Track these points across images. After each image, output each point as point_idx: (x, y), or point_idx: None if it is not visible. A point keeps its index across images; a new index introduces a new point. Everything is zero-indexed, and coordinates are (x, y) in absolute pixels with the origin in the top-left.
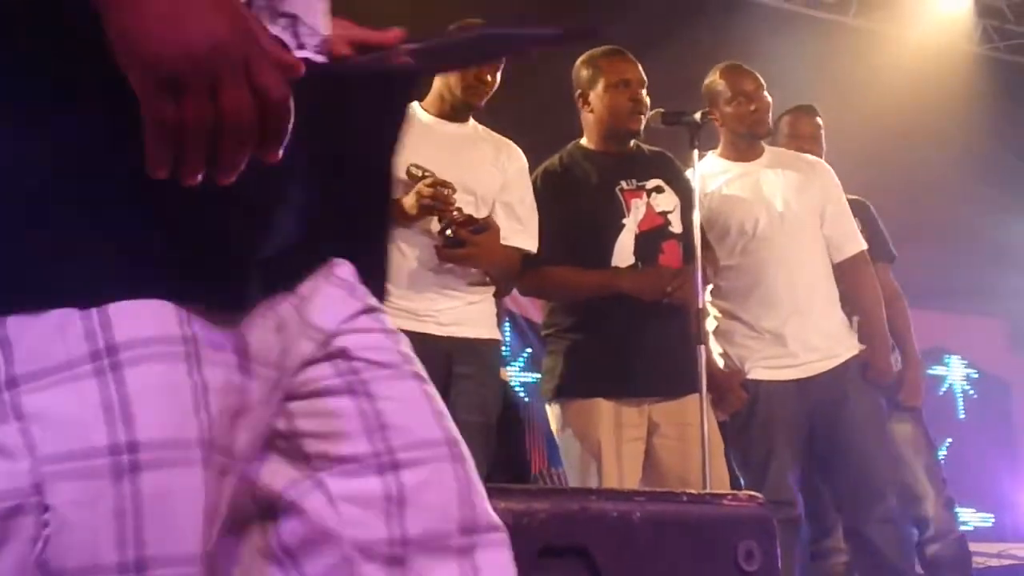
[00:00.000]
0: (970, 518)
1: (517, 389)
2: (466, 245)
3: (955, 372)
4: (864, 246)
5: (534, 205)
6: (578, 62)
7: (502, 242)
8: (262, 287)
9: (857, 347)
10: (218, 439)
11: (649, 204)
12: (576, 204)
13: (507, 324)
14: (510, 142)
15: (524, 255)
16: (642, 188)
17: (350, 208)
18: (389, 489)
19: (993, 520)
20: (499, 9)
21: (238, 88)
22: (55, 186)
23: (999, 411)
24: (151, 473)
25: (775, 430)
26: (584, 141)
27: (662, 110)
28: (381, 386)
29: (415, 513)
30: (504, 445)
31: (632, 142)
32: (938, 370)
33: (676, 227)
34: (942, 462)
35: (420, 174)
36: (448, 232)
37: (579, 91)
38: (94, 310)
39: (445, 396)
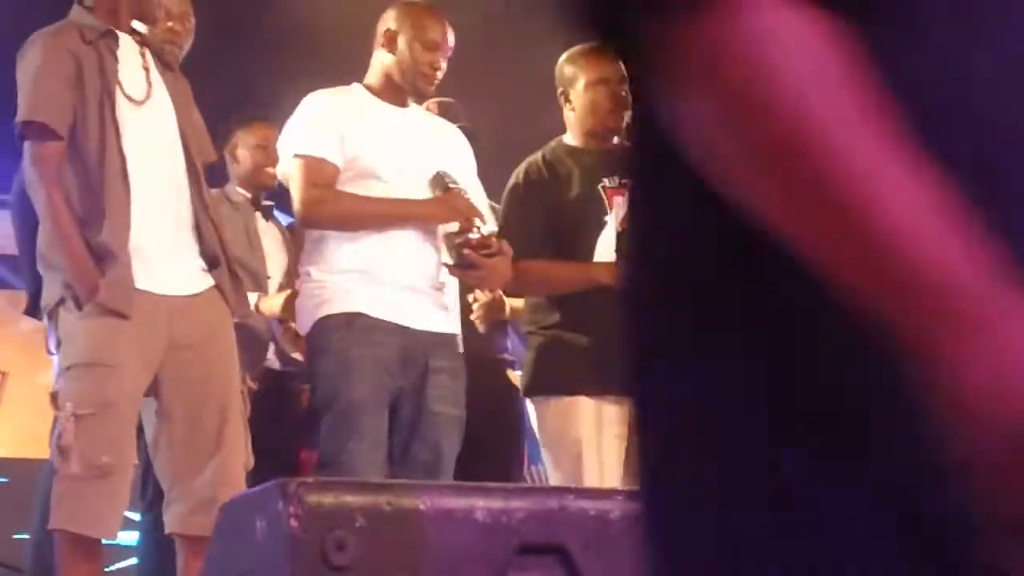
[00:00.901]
0: None
1: None
2: (477, 267)
3: None
4: None
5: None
6: (561, 59)
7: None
8: None
9: None
10: None
11: None
12: (558, 201)
13: None
14: (454, 127)
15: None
16: (625, 185)
17: None
18: None
19: None
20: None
21: None
22: None
23: None
24: None
25: None
26: (567, 138)
27: None
28: None
29: None
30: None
31: (615, 139)
32: None
33: None
34: None
35: (451, 184)
36: (463, 251)
37: (561, 88)
38: None
39: (422, 387)
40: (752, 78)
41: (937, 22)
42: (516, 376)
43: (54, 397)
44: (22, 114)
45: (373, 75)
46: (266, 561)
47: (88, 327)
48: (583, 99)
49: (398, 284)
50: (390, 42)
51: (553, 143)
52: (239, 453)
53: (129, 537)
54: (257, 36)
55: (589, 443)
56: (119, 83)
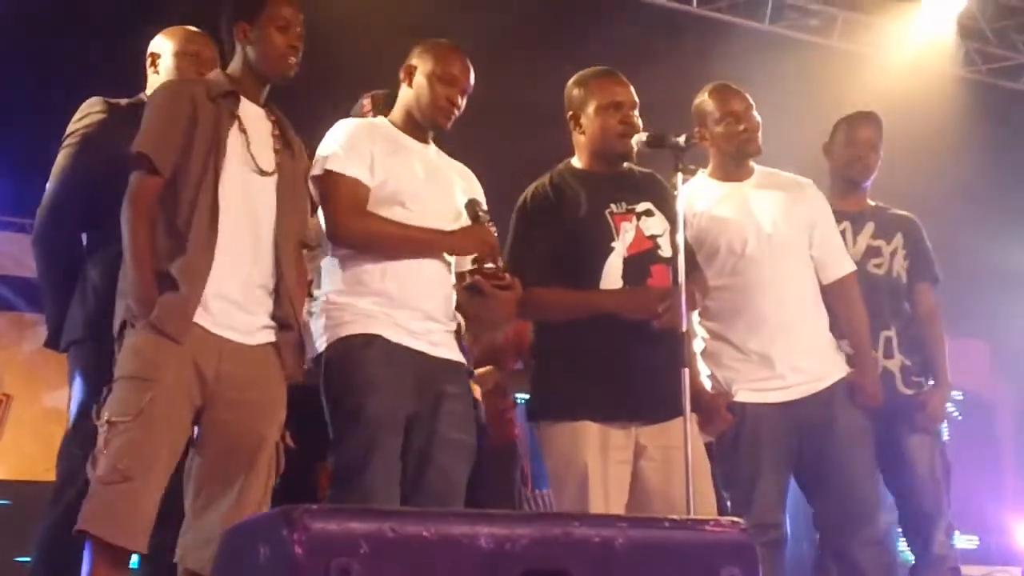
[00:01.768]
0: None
1: None
2: (486, 294)
3: None
4: (853, 268)
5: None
6: (570, 82)
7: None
8: None
9: (845, 369)
10: None
11: (639, 228)
12: (565, 226)
13: None
14: (467, 169)
15: None
16: (632, 211)
17: None
18: None
19: (978, 542)
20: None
21: None
22: None
23: (983, 432)
24: None
25: (761, 452)
26: (575, 162)
27: (646, 133)
28: None
29: None
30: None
31: (624, 164)
32: None
33: (665, 251)
34: None
35: (482, 212)
36: (476, 276)
37: (570, 112)
38: None
39: (436, 412)
40: None
41: None
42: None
43: (98, 409)
44: (134, 145)
45: (396, 111)
46: None
47: (137, 343)
48: (593, 123)
49: (416, 311)
50: (409, 77)
51: (561, 166)
52: (252, 504)
53: None
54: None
55: (594, 468)
56: (244, 144)
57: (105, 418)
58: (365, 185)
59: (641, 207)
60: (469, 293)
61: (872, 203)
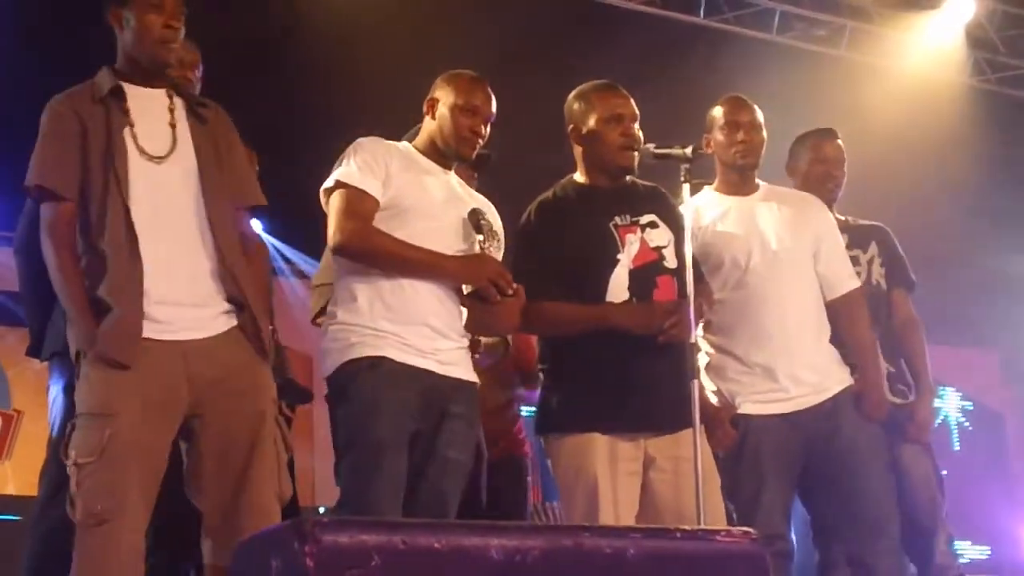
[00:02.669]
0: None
1: None
2: (491, 302)
3: (950, 404)
4: (858, 284)
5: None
6: (571, 96)
7: None
8: None
9: (848, 380)
10: None
11: (643, 239)
12: (570, 239)
13: None
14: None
15: None
16: (636, 223)
17: None
18: None
19: (989, 552)
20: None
21: None
22: None
23: (993, 442)
24: None
25: (765, 463)
26: (577, 176)
27: (652, 145)
28: None
29: None
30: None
31: (626, 177)
32: None
33: (671, 262)
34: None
35: (483, 221)
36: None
37: (571, 125)
38: None
39: (437, 431)
40: None
41: None
42: None
43: (66, 446)
44: (28, 178)
45: (420, 139)
46: None
47: (90, 377)
48: (594, 136)
49: (424, 327)
50: (432, 109)
51: (564, 181)
52: (269, 485)
53: None
54: (274, 75)
55: (604, 480)
56: (132, 138)
57: (72, 459)
58: (373, 198)
59: (645, 219)
60: (473, 300)
61: (841, 216)
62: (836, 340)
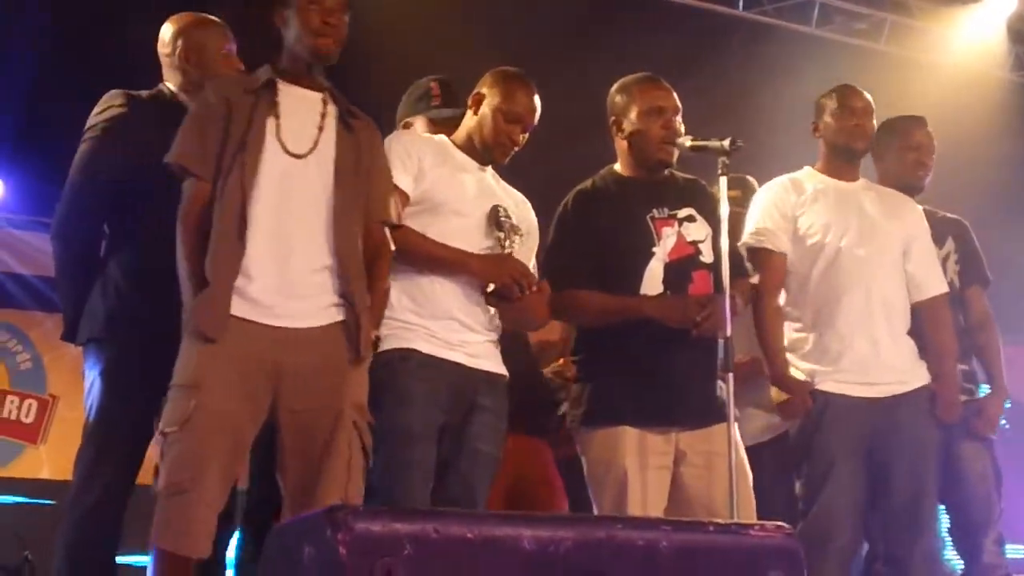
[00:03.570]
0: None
1: None
2: (511, 300)
3: None
4: (946, 289)
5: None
6: (613, 88)
7: None
8: None
9: (926, 378)
10: None
11: (680, 233)
12: (606, 230)
13: None
14: (523, 197)
15: None
16: (673, 217)
17: None
18: None
19: None
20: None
21: None
22: None
23: None
24: None
25: (836, 443)
26: (617, 167)
27: (689, 137)
28: None
29: None
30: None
31: (666, 170)
32: None
33: (707, 257)
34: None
35: (504, 218)
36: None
37: (613, 117)
38: None
39: (466, 423)
40: None
41: None
42: None
43: (156, 420)
44: (169, 155)
45: (459, 132)
46: None
47: (183, 349)
48: (635, 129)
49: (452, 320)
50: (476, 105)
51: (603, 171)
52: (335, 489)
53: None
54: None
55: (633, 473)
56: (274, 131)
57: (160, 429)
58: (403, 192)
59: (683, 213)
60: (492, 298)
61: (920, 208)
62: (917, 341)
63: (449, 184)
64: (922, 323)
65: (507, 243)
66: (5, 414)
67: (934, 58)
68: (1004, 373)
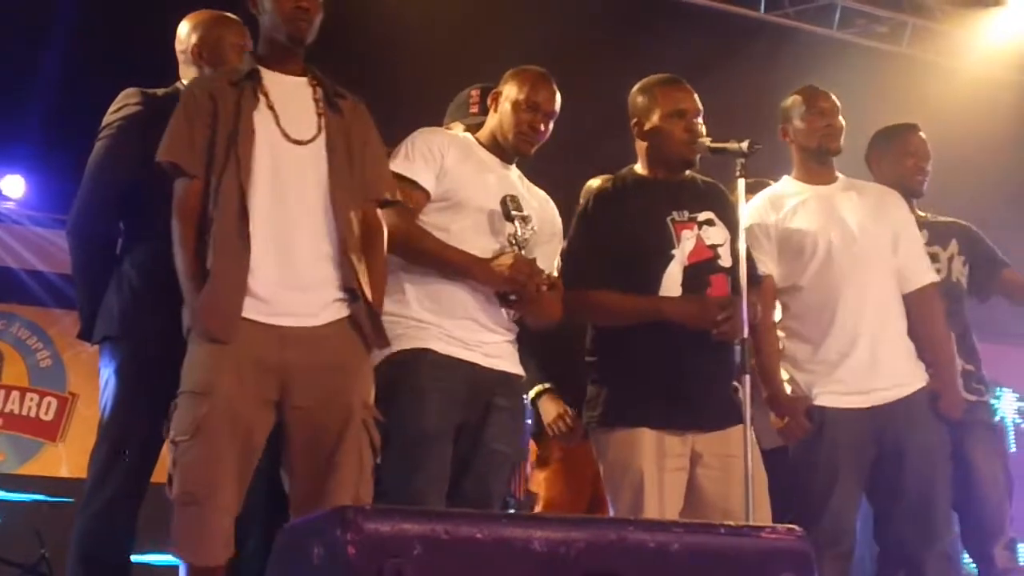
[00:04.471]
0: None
1: None
2: (524, 303)
3: (1006, 404)
4: (936, 278)
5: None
6: (634, 89)
7: None
8: None
9: (925, 378)
10: None
11: (699, 236)
12: (626, 230)
13: None
14: (548, 198)
15: None
16: (693, 220)
17: None
18: None
19: None
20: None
21: None
22: None
23: None
24: None
25: (840, 458)
26: (638, 167)
27: (708, 139)
28: None
29: None
30: None
31: (686, 172)
32: None
33: (725, 260)
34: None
35: (515, 211)
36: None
37: (634, 119)
38: None
39: (483, 424)
40: None
41: None
42: None
43: (167, 426)
44: (158, 153)
45: (483, 132)
46: None
47: (191, 354)
48: (657, 130)
49: (468, 320)
50: (495, 103)
51: (624, 171)
52: (347, 489)
53: None
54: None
55: (650, 475)
56: (267, 120)
57: (171, 437)
58: (423, 190)
59: (703, 216)
60: (506, 302)
61: (921, 213)
62: (911, 334)
63: (471, 181)
64: (912, 314)
65: (520, 236)
66: (24, 411)
67: (955, 62)
68: None
